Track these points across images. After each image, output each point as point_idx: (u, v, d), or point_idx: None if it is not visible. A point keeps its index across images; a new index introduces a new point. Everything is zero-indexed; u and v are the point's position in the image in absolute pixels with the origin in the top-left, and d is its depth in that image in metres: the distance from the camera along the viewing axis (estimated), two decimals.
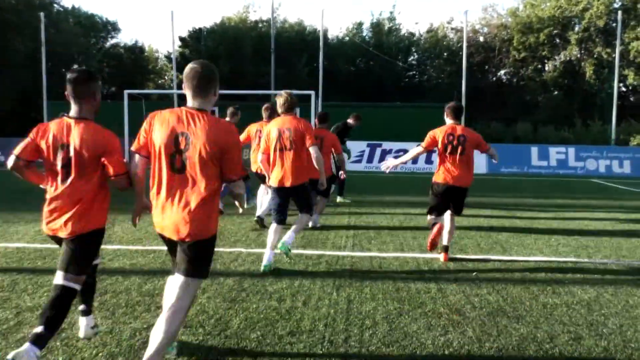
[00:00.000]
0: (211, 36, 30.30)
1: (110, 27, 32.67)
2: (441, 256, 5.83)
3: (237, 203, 8.50)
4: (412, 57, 33.26)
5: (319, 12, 43.55)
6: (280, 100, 5.46)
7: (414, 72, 33.48)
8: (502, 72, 32.57)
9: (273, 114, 7.06)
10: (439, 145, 5.76)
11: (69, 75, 3.09)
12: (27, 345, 2.79)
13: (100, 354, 3.30)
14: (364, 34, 32.57)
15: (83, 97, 3.10)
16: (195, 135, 2.85)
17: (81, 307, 3.38)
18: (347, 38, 32.35)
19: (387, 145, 19.15)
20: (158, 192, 2.96)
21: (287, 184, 5.33)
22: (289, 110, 5.46)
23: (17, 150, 3.11)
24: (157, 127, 2.94)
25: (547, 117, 26.82)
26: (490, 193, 12.77)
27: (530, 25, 29.08)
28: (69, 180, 3.07)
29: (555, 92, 30.24)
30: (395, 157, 6.86)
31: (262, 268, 5.21)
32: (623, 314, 4.21)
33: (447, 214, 5.92)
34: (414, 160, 18.63)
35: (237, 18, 32.01)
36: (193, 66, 2.98)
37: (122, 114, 19.18)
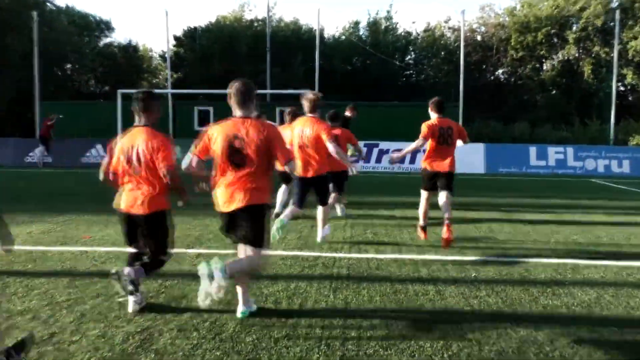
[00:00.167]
0: (206, 35, 30.20)
1: (104, 26, 32.52)
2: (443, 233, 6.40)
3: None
4: (409, 57, 33.23)
5: (315, 11, 43.43)
6: (305, 102, 6.41)
7: (411, 71, 33.47)
8: (500, 71, 32.59)
9: (295, 117, 7.36)
10: (435, 137, 6.61)
11: (134, 95, 4.13)
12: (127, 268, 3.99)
13: (93, 359, 3.27)
14: (361, 33, 32.50)
15: (145, 110, 4.10)
16: (248, 136, 3.78)
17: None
18: (343, 37, 32.29)
19: (384, 145, 19.15)
20: (223, 183, 3.86)
21: (308, 174, 6.31)
22: (313, 110, 6.40)
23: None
24: (216, 135, 3.85)
25: (545, 116, 26.84)
26: (489, 193, 12.77)
27: (527, 25, 29.10)
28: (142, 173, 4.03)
29: (554, 92, 30.25)
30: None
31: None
32: (624, 315, 4.20)
33: (442, 196, 6.64)
34: (412, 160, 18.70)
35: (232, 17, 31.91)
36: (234, 84, 3.90)
37: (116, 114, 19.12)
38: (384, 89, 28.48)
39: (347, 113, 10.24)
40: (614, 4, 27.50)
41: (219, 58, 28.10)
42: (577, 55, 29.73)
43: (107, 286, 4.68)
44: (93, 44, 31.39)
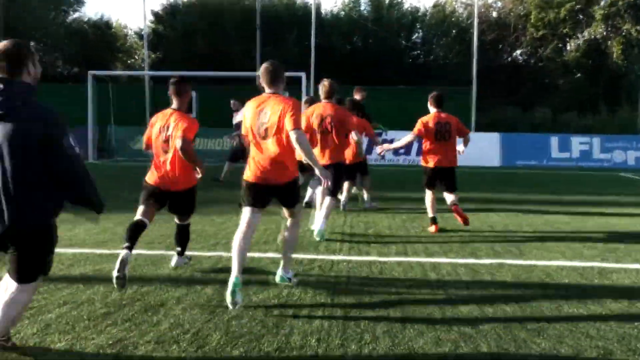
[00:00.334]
0: (188, 11, 30.01)
1: (73, 0, 32.35)
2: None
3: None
4: (416, 35, 33.14)
5: None
6: (322, 89, 7.17)
7: (419, 51, 33.40)
8: (518, 52, 32.58)
9: (312, 104, 7.96)
10: (431, 134, 7.44)
11: (172, 80, 5.29)
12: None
13: None
14: (362, 8, 32.40)
15: (179, 95, 5.23)
16: (273, 109, 4.58)
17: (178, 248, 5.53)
18: (342, 13, 32.17)
19: (388, 134, 19.09)
20: (254, 155, 4.69)
21: (324, 162, 6.75)
22: (329, 96, 7.16)
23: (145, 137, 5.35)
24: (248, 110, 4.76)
25: (569, 102, 26.86)
26: (505, 189, 12.78)
27: (549, 0, 29.08)
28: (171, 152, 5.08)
29: (578, 75, 30.26)
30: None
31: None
32: None
33: (447, 198, 7.57)
34: (419, 151, 18.64)
35: None
36: (265, 66, 4.75)
37: (85, 98, 18.98)
38: (388, 72, 28.40)
39: (357, 97, 10.16)
40: None
41: (203, 36, 27.94)
42: (604, 33, 29.70)
43: (75, 292, 4.64)
44: (60, 19, 31.18)
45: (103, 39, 31.70)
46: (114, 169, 16.86)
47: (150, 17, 29.84)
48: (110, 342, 3.66)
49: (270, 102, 4.61)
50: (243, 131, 4.83)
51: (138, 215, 5.03)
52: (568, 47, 31.42)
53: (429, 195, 7.68)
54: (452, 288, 5.00)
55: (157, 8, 31.01)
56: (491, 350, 3.66)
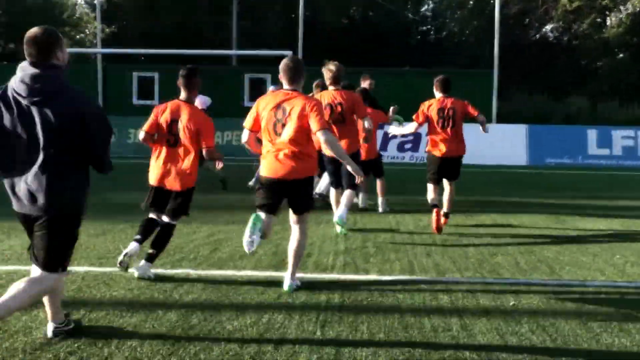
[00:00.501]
0: None
1: None
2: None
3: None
4: (425, 7, 33.34)
5: None
6: (327, 74, 7.63)
7: (429, 26, 33.58)
8: (548, 27, 32.77)
9: (323, 90, 8.46)
10: (433, 121, 8.11)
11: (181, 72, 5.84)
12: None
13: None
14: None
15: (190, 89, 5.89)
16: (293, 107, 5.25)
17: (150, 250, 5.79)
18: None
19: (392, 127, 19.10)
20: (267, 151, 5.39)
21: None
22: (336, 82, 7.69)
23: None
24: (262, 107, 5.43)
25: (610, 89, 27.01)
26: (532, 192, 12.81)
27: None
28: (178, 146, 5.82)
29: (621, 55, 30.46)
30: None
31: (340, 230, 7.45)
32: None
33: (446, 187, 8.36)
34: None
35: None
36: (285, 62, 5.37)
37: None
38: (392, 50, 28.50)
39: (365, 86, 10.18)
40: None
41: (168, 9, 27.93)
42: None
43: (8, 319, 4.60)
44: None
45: (46, 9, 31.57)
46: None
47: None
48: None
49: (290, 100, 5.28)
50: (247, 125, 5.49)
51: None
52: (608, 22, 31.56)
53: (430, 189, 8.28)
54: (468, 314, 5.00)
55: None
56: None
